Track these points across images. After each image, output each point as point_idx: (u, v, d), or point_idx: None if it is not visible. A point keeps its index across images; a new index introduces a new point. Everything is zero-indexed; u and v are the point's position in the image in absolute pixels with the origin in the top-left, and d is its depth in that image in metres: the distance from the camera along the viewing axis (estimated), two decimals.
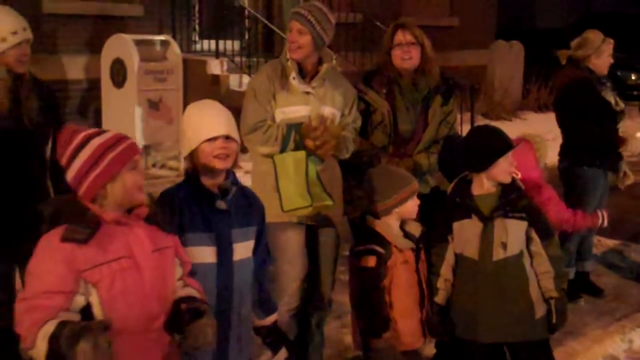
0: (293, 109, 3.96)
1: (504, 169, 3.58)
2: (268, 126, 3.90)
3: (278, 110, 3.95)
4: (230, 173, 3.07)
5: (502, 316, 3.58)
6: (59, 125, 3.99)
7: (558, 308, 3.62)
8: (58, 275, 2.42)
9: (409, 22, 4.40)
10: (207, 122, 2.99)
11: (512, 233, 3.55)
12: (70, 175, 2.55)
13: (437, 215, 3.73)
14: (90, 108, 9.17)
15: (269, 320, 3.26)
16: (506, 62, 14.23)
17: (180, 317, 2.60)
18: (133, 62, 8.13)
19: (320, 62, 4.04)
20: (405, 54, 4.31)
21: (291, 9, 4.11)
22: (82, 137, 2.56)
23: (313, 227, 4.07)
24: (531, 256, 3.62)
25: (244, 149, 3.42)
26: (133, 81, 8.17)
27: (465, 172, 3.73)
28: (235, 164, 3.05)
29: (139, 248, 2.56)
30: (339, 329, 4.84)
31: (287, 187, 3.84)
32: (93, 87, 8.94)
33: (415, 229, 3.66)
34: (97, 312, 2.47)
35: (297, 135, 3.87)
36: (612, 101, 5.41)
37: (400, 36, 4.33)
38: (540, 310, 3.62)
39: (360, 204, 3.85)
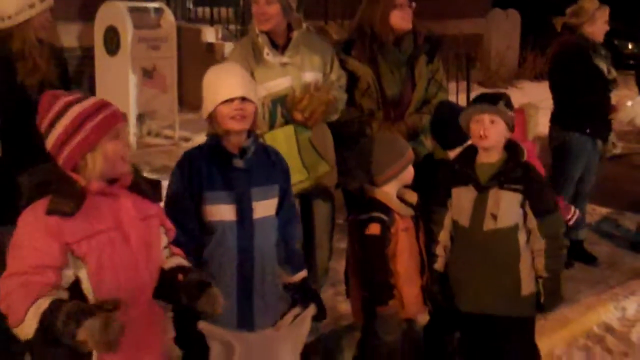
0: (273, 83, 3.91)
1: (472, 130, 3.51)
2: None
3: (260, 87, 3.86)
4: (251, 134, 3.11)
5: (487, 288, 3.54)
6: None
7: (547, 289, 3.54)
8: (47, 249, 2.34)
9: None
10: (223, 85, 3.03)
11: (505, 204, 3.47)
12: (49, 143, 2.46)
13: (439, 181, 3.71)
14: (84, 76, 9.10)
15: (298, 277, 3.30)
16: (502, 30, 14.17)
17: (181, 287, 2.56)
18: (126, 29, 8.04)
19: (290, 28, 3.98)
20: (407, 14, 4.25)
21: None
22: (62, 104, 2.46)
23: (308, 197, 4.06)
24: (527, 232, 3.53)
25: None
26: (127, 49, 8.09)
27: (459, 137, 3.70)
28: (254, 125, 3.09)
29: (127, 218, 2.50)
30: (333, 296, 4.84)
31: None
32: (87, 55, 8.86)
33: (412, 197, 3.65)
34: (86, 286, 2.41)
35: (283, 110, 3.84)
36: (604, 69, 5.39)
37: None
38: (528, 288, 3.54)
39: (356, 175, 3.82)
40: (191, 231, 3.01)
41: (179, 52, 8.66)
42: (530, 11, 15.21)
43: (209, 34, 9.65)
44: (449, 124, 3.97)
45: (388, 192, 3.60)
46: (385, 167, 3.59)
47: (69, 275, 2.39)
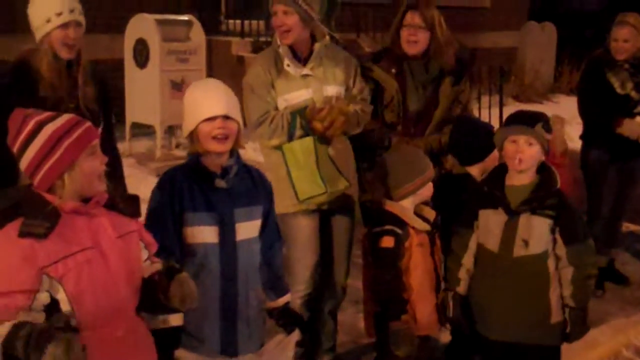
0: (294, 94, 3.84)
1: (507, 151, 3.39)
2: (272, 117, 3.79)
3: (280, 98, 3.83)
4: (234, 152, 3.01)
5: (516, 316, 3.42)
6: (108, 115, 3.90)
7: (573, 318, 3.41)
8: (18, 273, 2.28)
9: (422, 4, 4.20)
10: (205, 102, 2.92)
11: (536, 231, 3.35)
12: (23, 164, 2.40)
13: (465, 201, 3.60)
14: (113, 88, 9.13)
15: (281, 302, 3.22)
16: (538, 44, 13.99)
17: (156, 286, 2.51)
18: (156, 42, 8.08)
19: (313, 40, 3.92)
20: (412, 36, 4.15)
21: None
22: (34, 124, 2.38)
23: (327, 213, 3.99)
24: (556, 259, 3.40)
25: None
26: (156, 61, 8.13)
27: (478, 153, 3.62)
28: (237, 144, 2.99)
29: (104, 236, 2.44)
30: (354, 314, 4.76)
31: (299, 176, 3.78)
32: (117, 67, 8.91)
33: (429, 213, 3.58)
34: (66, 308, 2.35)
35: (302, 121, 3.77)
36: (617, 84, 5.23)
37: (409, 18, 4.17)
38: (557, 316, 3.42)
39: (373, 188, 3.74)
40: (169, 248, 2.88)
41: (209, 64, 8.69)
42: (566, 24, 15.01)
43: (240, 47, 9.65)
44: (468, 140, 3.89)
45: (404, 205, 3.52)
46: (405, 182, 3.52)
47: (42, 297, 2.32)
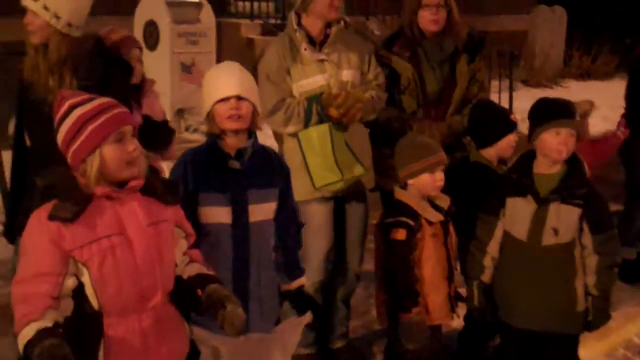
0: (310, 80, 3.83)
1: (549, 143, 3.34)
2: (288, 104, 3.78)
3: (295, 85, 3.82)
4: (252, 134, 3.04)
5: (543, 304, 3.41)
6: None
7: (596, 307, 3.42)
8: (47, 256, 2.33)
9: None
10: (220, 84, 2.99)
11: (566, 219, 3.34)
12: (59, 143, 2.45)
13: (492, 188, 3.57)
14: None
15: (294, 284, 3.24)
16: (548, 27, 13.91)
17: (202, 303, 2.53)
18: (165, 24, 8.06)
19: (328, 25, 3.90)
20: (434, 15, 4.11)
21: None
22: (67, 106, 2.42)
23: (342, 199, 3.99)
24: (582, 247, 3.40)
25: None
26: (166, 43, 8.12)
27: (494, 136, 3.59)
28: (253, 125, 3.03)
29: (132, 223, 2.44)
30: (366, 299, 4.77)
31: (315, 163, 3.77)
32: None
33: (444, 201, 3.55)
34: (90, 291, 2.39)
35: (318, 107, 3.76)
36: None
37: None
38: (582, 304, 3.43)
39: (393, 175, 3.73)
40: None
41: (218, 47, 8.67)
42: (576, 8, 14.91)
43: (249, 29, 9.61)
44: (484, 122, 3.88)
45: (416, 195, 3.50)
46: (410, 162, 3.48)
47: (70, 282, 2.37)
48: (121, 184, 2.45)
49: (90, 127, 2.38)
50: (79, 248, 2.35)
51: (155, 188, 2.53)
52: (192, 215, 2.93)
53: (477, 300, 3.54)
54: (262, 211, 3.05)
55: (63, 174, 2.44)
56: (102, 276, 2.37)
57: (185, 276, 2.62)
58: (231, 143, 3.00)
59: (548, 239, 3.36)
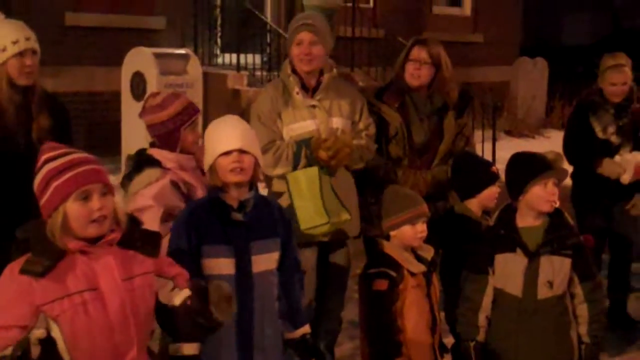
0: (301, 124, 3.91)
1: (539, 196, 3.40)
2: (277, 146, 3.84)
3: (286, 128, 3.90)
4: (252, 186, 3.08)
5: (541, 358, 3.44)
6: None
7: (588, 354, 3.46)
8: (15, 309, 2.33)
9: (429, 41, 4.31)
10: (222, 137, 3.03)
11: (559, 271, 3.39)
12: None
13: (478, 245, 3.60)
14: (110, 120, 9.18)
15: (298, 333, 3.24)
16: (530, 78, 14.10)
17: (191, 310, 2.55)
18: (152, 75, 8.12)
19: (321, 72, 3.98)
20: (416, 70, 4.22)
21: (295, 22, 4.02)
22: (42, 160, 2.42)
23: (325, 246, 4.01)
24: (572, 297, 3.44)
25: None
26: None
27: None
28: (255, 177, 3.07)
29: (106, 278, 2.41)
30: (352, 350, 4.75)
31: (303, 206, 3.80)
32: (114, 99, 8.95)
33: (427, 252, 3.57)
34: (62, 347, 2.37)
35: (307, 151, 3.82)
36: (599, 128, 5.20)
37: (416, 52, 4.25)
38: (577, 354, 3.46)
39: (378, 223, 3.76)
40: None
41: (204, 97, 8.71)
42: (558, 60, 15.15)
43: (235, 80, 9.69)
44: (467, 174, 3.94)
45: (399, 246, 3.51)
46: (393, 213, 3.51)
47: (38, 332, 2.35)
48: (98, 238, 2.41)
49: (54, 184, 2.36)
50: (50, 303, 2.34)
51: (134, 240, 2.50)
52: (196, 268, 2.95)
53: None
54: (265, 261, 3.08)
55: (38, 227, 2.41)
56: (74, 332, 2.36)
57: (177, 303, 2.59)
58: (233, 195, 3.03)
59: (543, 293, 3.39)
